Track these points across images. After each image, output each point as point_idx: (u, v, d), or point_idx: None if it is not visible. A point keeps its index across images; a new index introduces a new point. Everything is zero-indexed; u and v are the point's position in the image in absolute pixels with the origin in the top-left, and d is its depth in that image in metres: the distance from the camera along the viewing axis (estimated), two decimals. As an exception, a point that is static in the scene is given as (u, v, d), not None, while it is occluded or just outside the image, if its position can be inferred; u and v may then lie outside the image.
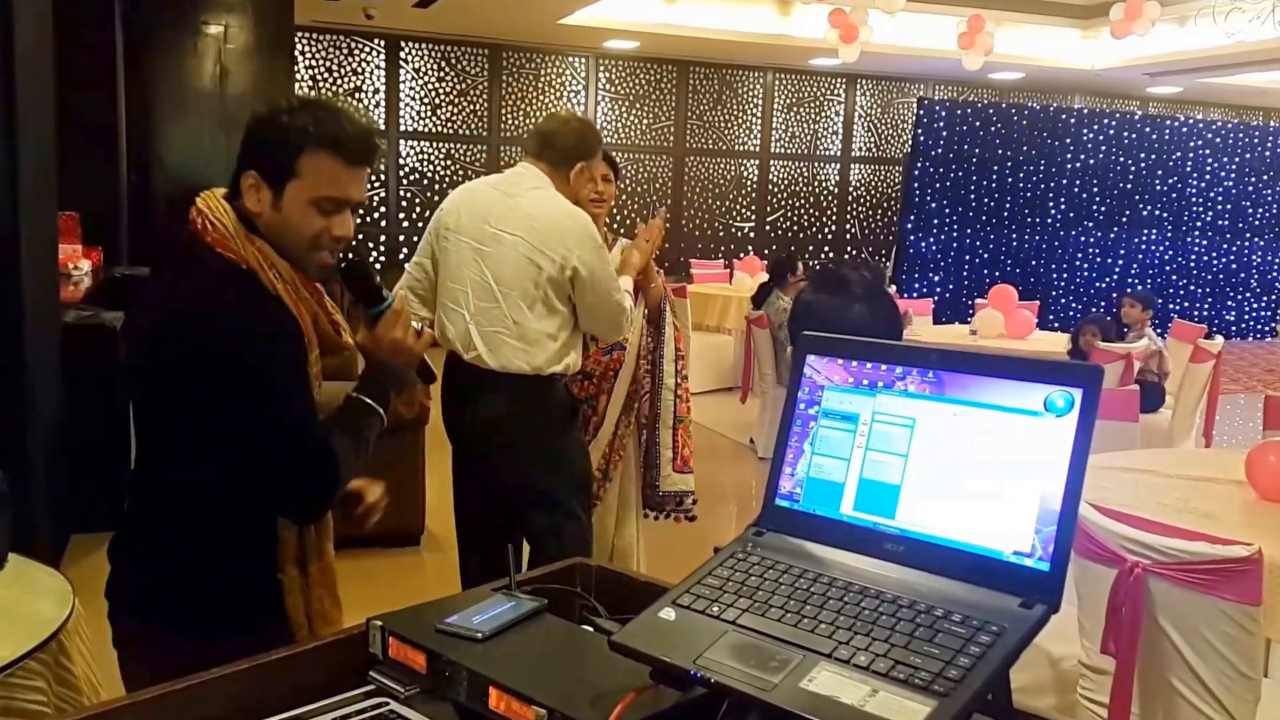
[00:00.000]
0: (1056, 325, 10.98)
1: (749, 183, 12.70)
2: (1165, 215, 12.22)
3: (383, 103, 10.98)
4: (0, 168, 3.46)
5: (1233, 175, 12.46)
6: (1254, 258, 12.85)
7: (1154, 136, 12.02)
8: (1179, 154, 12.13)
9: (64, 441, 4.23)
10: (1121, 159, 11.87)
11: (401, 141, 11.12)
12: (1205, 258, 12.58)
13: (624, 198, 11.88)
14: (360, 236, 10.68)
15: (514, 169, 3.01)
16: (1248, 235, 12.74)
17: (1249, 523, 2.71)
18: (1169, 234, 12.30)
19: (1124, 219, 12.01)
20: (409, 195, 11.21)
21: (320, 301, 1.70)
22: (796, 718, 0.88)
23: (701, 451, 4.49)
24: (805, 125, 12.84)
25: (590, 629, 1.22)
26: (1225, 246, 12.65)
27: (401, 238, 11.14)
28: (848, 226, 13.23)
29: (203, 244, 1.61)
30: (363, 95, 10.88)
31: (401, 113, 11.08)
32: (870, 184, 13.26)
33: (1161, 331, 6.73)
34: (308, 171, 1.60)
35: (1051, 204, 11.64)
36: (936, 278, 11.25)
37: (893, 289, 9.69)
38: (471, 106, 11.36)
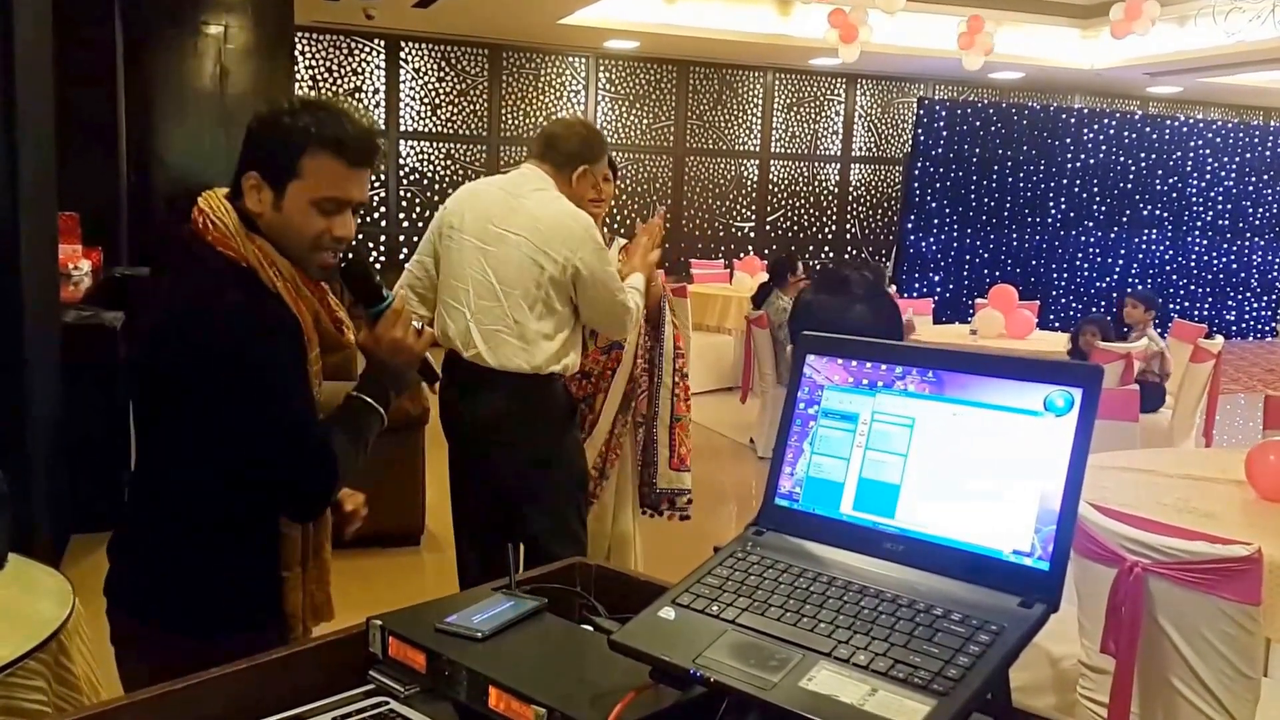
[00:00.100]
0: (1056, 325, 10.98)
1: (749, 183, 12.70)
2: (1165, 215, 12.22)
3: (383, 103, 10.98)
4: (0, 165, 3.46)
5: (1233, 175, 12.46)
6: (1254, 257, 12.86)
7: (1154, 136, 12.02)
8: (1179, 154, 12.13)
9: (64, 441, 4.23)
10: (1122, 159, 11.88)
11: (401, 141, 11.12)
12: (1205, 257, 12.58)
13: (624, 198, 11.89)
14: (360, 236, 10.68)
15: (518, 170, 3.02)
16: (1248, 235, 12.74)
17: (1249, 522, 2.71)
18: (1169, 234, 12.31)
19: (1124, 219, 12.02)
20: (409, 195, 11.21)
21: (322, 299, 1.70)
22: (796, 717, 0.88)
23: (701, 451, 4.50)
24: (805, 125, 12.84)
25: (590, 628, 1.22)
26: (1225, 246, 12.65)
27: (401, 238, 11.14)
28: (848, 226, 13.24)
29: (203, 242, 1.61)
30: (363, 95, 10.88)
31: (401, 113, 11.08)
32: (870, 184, 13.26)
33: (1162, 331, 6.73)
34: (309, 172, 1.59)
35: (1052, 204, 11.65)
36: (936, 278, 11.25)
37: (893, 289, 9.69)
38: (471, 106, 11.36)
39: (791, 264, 7.15)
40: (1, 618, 1.85)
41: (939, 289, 11.17)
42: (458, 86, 11.28)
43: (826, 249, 13.13)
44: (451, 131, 11.31)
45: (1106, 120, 11.90)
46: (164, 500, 1.68)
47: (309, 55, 10.61)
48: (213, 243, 1.60)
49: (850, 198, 13.19)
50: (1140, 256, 12.21)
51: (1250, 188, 12.59)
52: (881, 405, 1.11)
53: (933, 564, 1.03)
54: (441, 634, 1.14)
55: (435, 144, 11.26)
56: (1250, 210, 12.68)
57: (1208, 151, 12.29)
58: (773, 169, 12.76)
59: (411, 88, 11.10)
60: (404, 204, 11.19)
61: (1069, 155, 11.61)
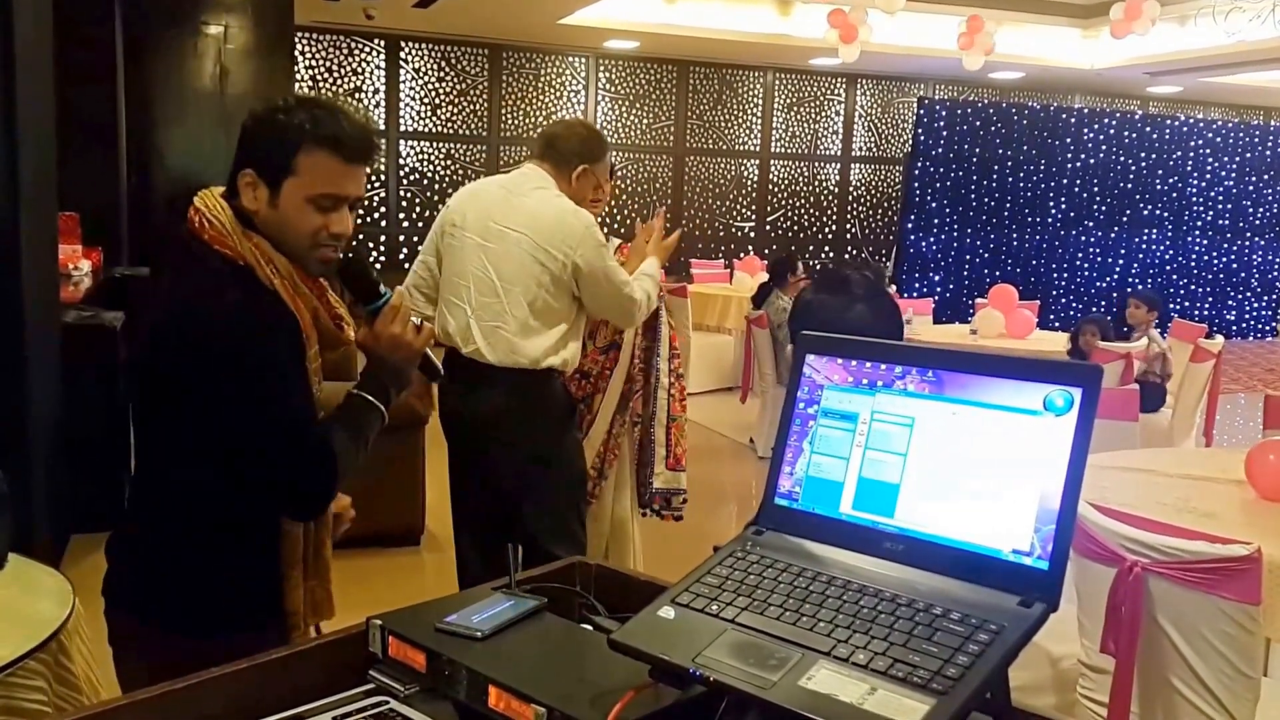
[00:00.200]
0: (1057, 325, 10.97)
1: (749, 183, 12.69)
2: (1166, 215, 12.22)
3: (383, 103, 10.98)
4: (0, 165, 3.46)
5: (1233, 175, 12.46)
6: (1254, 257, 12.86)
7: (1154, 136, 12.02)
8: (1179, 153, 12.13)
9: (64, 441, 4.23)
10: (1122, 158, 11.88)
11: (401, 141, 11.12)
12: (1205, 257, 12.58)
13: (624, 197, 11.89)
14: (360, 236, 10.68)
15: (519, 169, 3.05)
16: (1248, 235, 12.74)
17: (1249, 522, 2.71)
18: (1169, 233, 12.30)
19: (1124, 218, 12.01)
20: (409, 195, 11.21)
21: (321, 296, 1.69)
22: (795, 716, 0.88)
23: (701, 451, 4.49)
24: (805, 125, 12.84)
25: (589, 627, 1.22)
26: (1226, 246, 12.65)
27: (401, 238, 11.14)
28: (848, 226, 13.24)
29: (200, 241, 1.61)
30: (363, 95, 10.88)
31: (401, 113, 11.08)
32: (870, 184, 13.26)
33: (1162, 331, 6.73)
34: (305, 169, 1.59)
35: (1052, 203, 11.64)
36: (936, 277, 11.25)
37: (893, 289, 9.69)
38: (471, 106, 11.36)
39: (791, 264, 7.16)
40: (1, 618, 1.85)
41: (939, 289, 11.16)
42: (458, 86, 11.27)
43: (826, 249, 13.13)
44: (451, 131, 11.30)
45: (1106, 120, 11.90)
46: (164, 500, 1.68)
47: (309, 55, 10.60)
48: (209, 241, 1.60)
49: (850, 198, 13.18)
50: (1140, 256, 12.21)
51: (1250, 187, 12.59)
52: (881, 405, 1.11)
53: (932, 563, 1.03)
54: (441, 634, 1.14)
55: (435, 144, 11.26)
56: (1250, 210, 12.68)
57: (1208, 151, 12.29)
58: (773, 169, 12.76)
59: (411, 88, 11.10)
60: (404, 204, 11.19)
61: (1069, 155, 11.61)
